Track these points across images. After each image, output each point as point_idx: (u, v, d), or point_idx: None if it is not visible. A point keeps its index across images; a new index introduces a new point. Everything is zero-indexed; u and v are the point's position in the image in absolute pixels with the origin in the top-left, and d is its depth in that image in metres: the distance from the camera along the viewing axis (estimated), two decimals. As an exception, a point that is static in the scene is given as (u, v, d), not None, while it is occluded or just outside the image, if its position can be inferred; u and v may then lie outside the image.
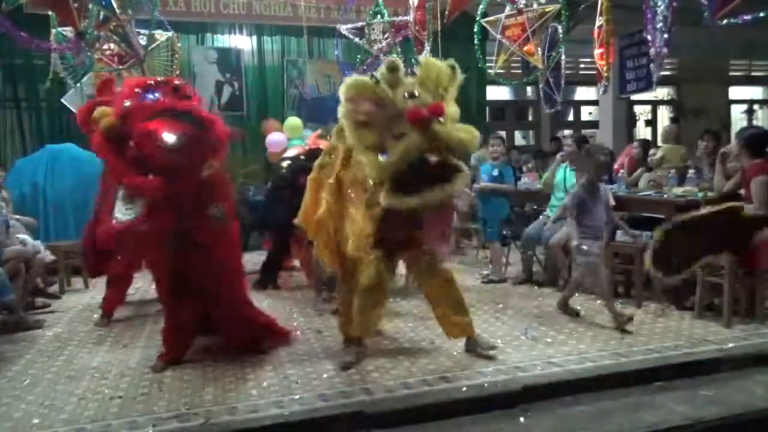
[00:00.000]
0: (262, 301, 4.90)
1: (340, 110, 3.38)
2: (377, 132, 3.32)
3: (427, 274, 3.75)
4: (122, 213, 3.71)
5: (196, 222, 3.55)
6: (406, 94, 3.25)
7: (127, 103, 3.49)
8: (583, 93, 12.43)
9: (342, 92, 3.34)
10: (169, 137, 3.24)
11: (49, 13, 6.07)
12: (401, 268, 4.38)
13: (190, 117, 3.44)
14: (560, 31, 6.88)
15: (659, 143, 8.30)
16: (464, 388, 3.24)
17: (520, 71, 9.39)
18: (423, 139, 3.19)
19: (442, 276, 3.74)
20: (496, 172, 5.87)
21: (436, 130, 3.21)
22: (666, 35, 5.24)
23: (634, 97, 10.24)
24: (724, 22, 4.60)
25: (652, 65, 5.69)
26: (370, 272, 3.58)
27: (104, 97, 4.69)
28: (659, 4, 5.18)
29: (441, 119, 3.22)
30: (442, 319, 3.80)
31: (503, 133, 7.97)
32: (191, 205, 3.54)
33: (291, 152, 6.37)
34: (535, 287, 5.56)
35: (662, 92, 12.16)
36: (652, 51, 5.47)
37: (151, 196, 3.43)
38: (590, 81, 10.09)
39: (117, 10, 5.32)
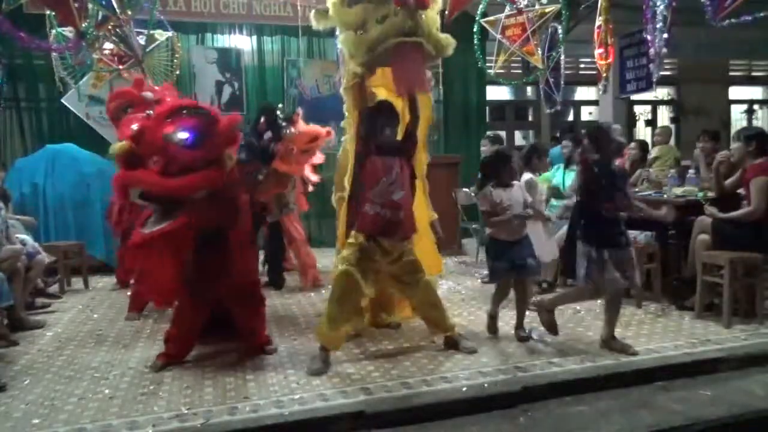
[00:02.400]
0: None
1: None
2: (362, 11, 3.55)
3: (409, 288, 3.77)
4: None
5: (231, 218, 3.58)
6: None
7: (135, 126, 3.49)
8: (583, 93, 12.43)
9: None
10: (183, 134, 3.25)
11: (49, 12, 6.06)
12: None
13: (197, 110, 3.50)
14: (560, 31, 6.90)
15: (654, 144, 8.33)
16: (464, 388, 3.24)
17: (520, 71, 9.40)
18: (405, 22, 3.39)
19: (422, 285, 3.76)
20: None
21: (420, 20, 3.44)
22: (666, 35, 5.25)
23: (634, 97, 10.21)
24: (726, 22, 4.61)
25: (651, 65, 5.69)
26: (341, 281, 3.53)
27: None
28: (659, 4, 5.19)
29: (423, 14, 3.48)
30: (426, 320, 3.94)
31: (503, 133, 7.97)
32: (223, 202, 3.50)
33: None
34: (535, 287, 5.54)
35: (662, 92, 12.15)
36: (651, 51, 5.47)
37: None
38: (590, 81, 10.14)
39: (117, 10, 5.33)
